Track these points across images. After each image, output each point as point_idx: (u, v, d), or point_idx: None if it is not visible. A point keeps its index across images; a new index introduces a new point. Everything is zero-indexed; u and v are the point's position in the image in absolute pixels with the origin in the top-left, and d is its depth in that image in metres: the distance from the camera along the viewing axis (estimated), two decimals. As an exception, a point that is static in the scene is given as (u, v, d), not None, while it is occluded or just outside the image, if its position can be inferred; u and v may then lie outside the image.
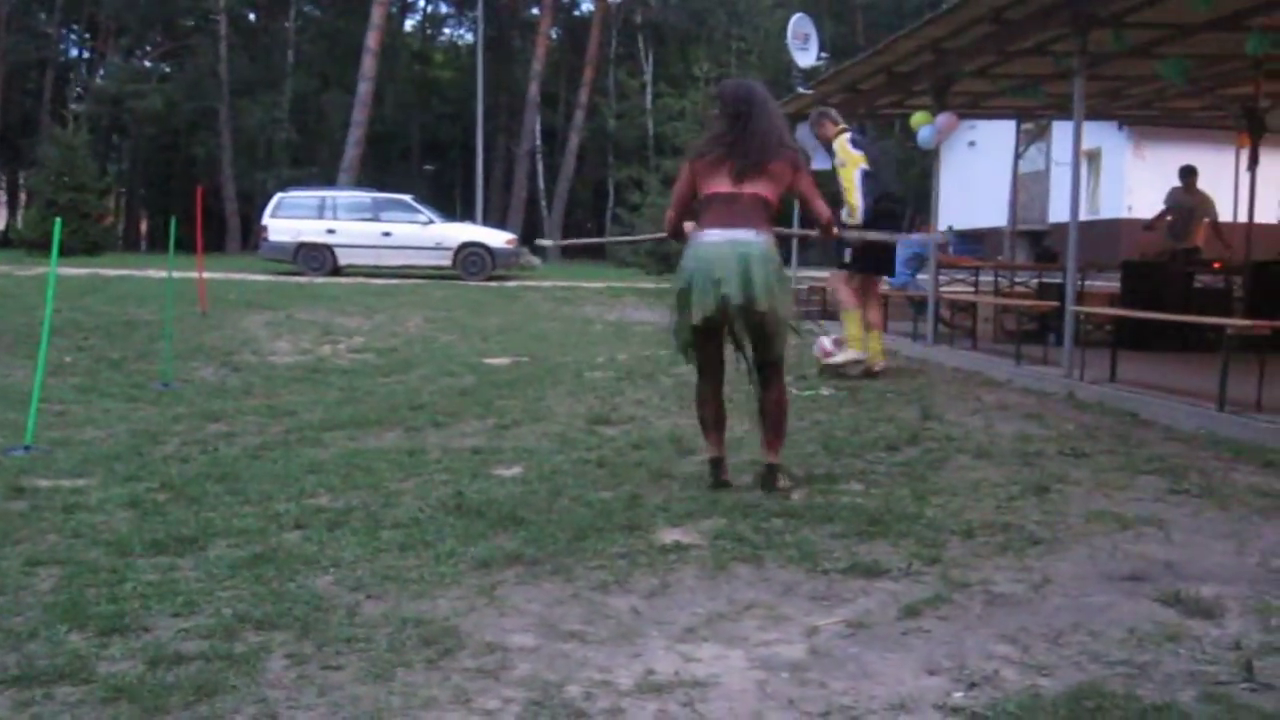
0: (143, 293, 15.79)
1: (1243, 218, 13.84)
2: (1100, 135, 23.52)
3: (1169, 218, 13.44)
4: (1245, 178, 13.23)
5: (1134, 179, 24.26)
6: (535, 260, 26.77)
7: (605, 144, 48.03)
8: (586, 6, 54.51)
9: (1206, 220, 13.25)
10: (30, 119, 47.83)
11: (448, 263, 23.41)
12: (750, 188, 5.30)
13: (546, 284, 21.24)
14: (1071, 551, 4.48)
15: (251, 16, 52.71)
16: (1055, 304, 10.41)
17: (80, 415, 7.56)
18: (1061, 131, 23.00)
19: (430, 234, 23.65)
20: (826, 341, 9.90)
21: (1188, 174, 13.35)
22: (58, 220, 7.67)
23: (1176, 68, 10.05)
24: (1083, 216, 10.22)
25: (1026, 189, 26.01)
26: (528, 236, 30.42)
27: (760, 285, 5.15)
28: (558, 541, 4.50)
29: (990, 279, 15.13)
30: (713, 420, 5.55)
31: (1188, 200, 13.26)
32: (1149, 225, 13.92)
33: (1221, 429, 6.93)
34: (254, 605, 3.73)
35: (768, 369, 5.48)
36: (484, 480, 5.67)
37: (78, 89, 50.39)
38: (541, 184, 45.91)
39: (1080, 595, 3.96)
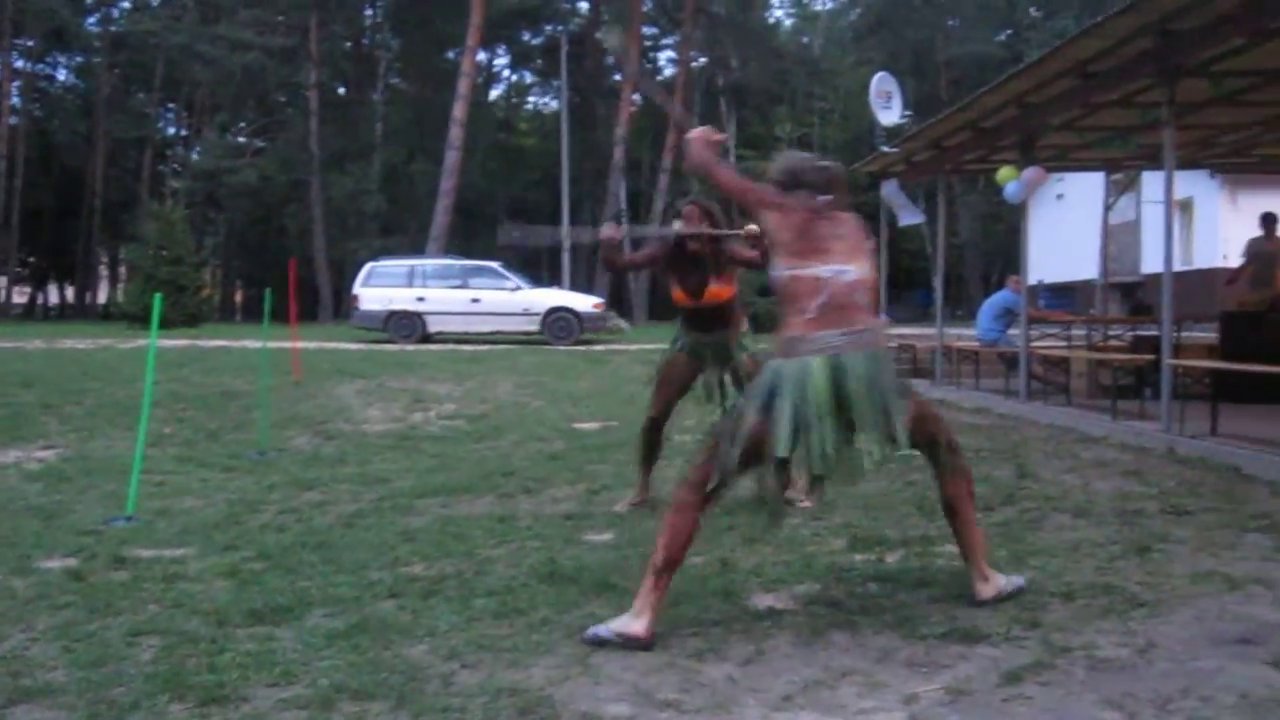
0: (239, 363, 16.09)
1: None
2: (1192, 184, 23.21)
3: (1250, 268, 13.20)
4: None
5: (1228, 228, 23.83)
6: (622, 324, 26.90)
7: (690, 206, 48.18)
8: (669, 71, 55.06)
9: None
10: (130, 195, 49.28)
11: (536, 328, 23.62)
12: None
13: (634, 347, 21.30)
14: (1177, 614, 4.36)
15: (341, 90, 53.96)
16: (1151, 357, 10.23)
17: (179, 485, 7.69)
18: (1152, 181, 22.69)
19: (518, 300, 23.91)
20: None
21: (1268, 221, 13.14)
22: (157, 295, 7.86)
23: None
24: (1177, 267, 10.06)
25: (1117, 240, 25.66)
26: (614, 301, 30.59)
27: None
28: (651, 608, 4.47)
29: (1083, 333, 14.91)
30: None
31: (1267, 248, 13.03)
32: (1230, 279, 13.70)
33: (1330, 484, 6.75)
34: (351, 675, 3.75)
35: None
36: (576, 546, 5.67)
37: (175, 165, 51.84)
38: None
39: (1188, 659, 3.85)
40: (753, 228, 6.46)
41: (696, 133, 4.58)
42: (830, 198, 4.48)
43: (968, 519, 4.62)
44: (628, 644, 4.05)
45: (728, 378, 6.68)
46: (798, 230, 4.39)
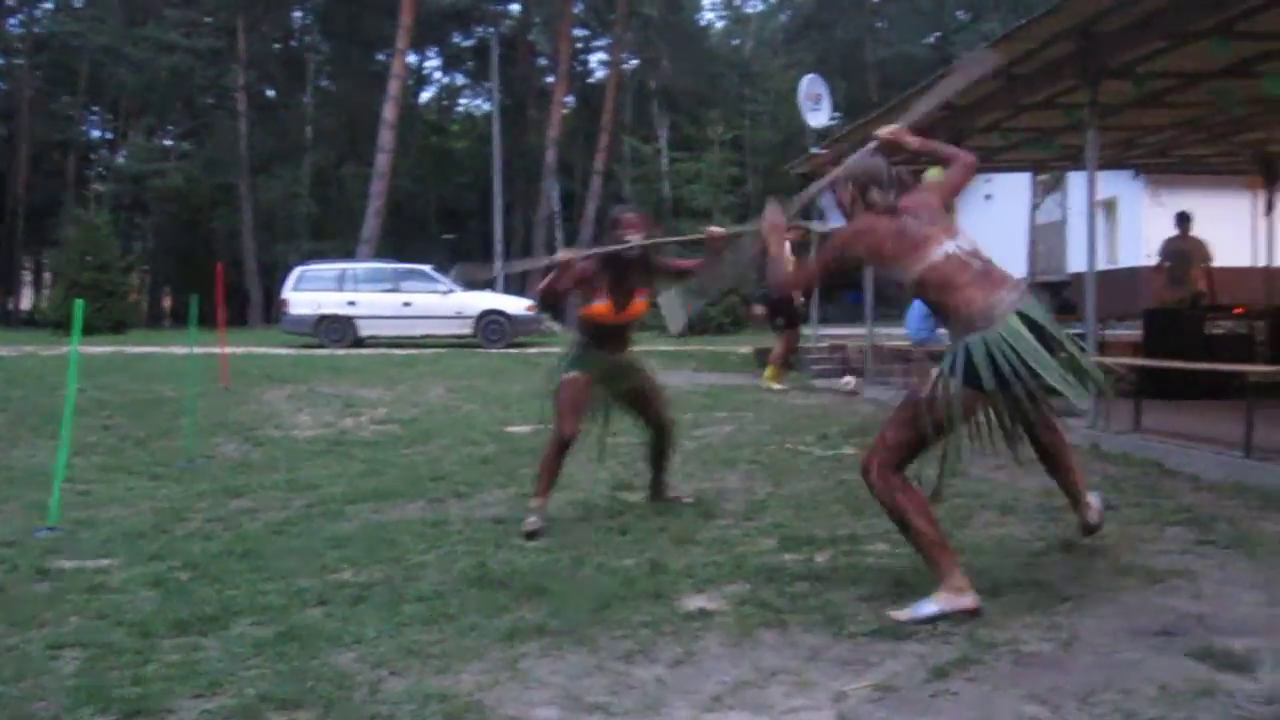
0: (166, 370, 15.87)
1: (1261, 262, 13.82)
2: (1116, 184, 23.52)
3: (1167, 264, 13.48)
4: (1264, 222, 13.23)
5: (1151, 227, 24.16)
6: (555, 326, 26.83)
7: (623, 209, 48.18)
8: (601, 73, 55.07)
9: (1203, 265, 13.26)
10: (53, 200, 48.35)
11: (469, 331, 23.49)
12: None
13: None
14: (1100, 608, 4.43)
15: (270, 93, 53.34)
16: (1076, 355, 10.33)
17: (104, 494, 7.57)
18: (1077, 182, 23.00)
19: (450, 303, 23.74)
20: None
21: (1182, 220, 13.42)
22: (79, 301, 7.72)
23: (1229, 95, 10.09)
24: (1101, 266, 10.20)
25: (1044, 240, 26.02)
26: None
27: None
28: (581, 612, 4.47)
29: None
30: None
31: (1182, 246, 13.30)
32: (1157, 268, 14.05)
33: (1248, 477, 6.88)
34: (277, 684, 3.72)
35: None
36: (507, 551, 5.65)
37: (99, 169, 50.94)
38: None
39: (1110, 652, 3.92)
40: (714, 229, 6.44)
41: (768, 236, 4.98)
42: (893, 193, 4.66)
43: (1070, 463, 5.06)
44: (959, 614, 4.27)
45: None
46: (894, 237, 4.55)
